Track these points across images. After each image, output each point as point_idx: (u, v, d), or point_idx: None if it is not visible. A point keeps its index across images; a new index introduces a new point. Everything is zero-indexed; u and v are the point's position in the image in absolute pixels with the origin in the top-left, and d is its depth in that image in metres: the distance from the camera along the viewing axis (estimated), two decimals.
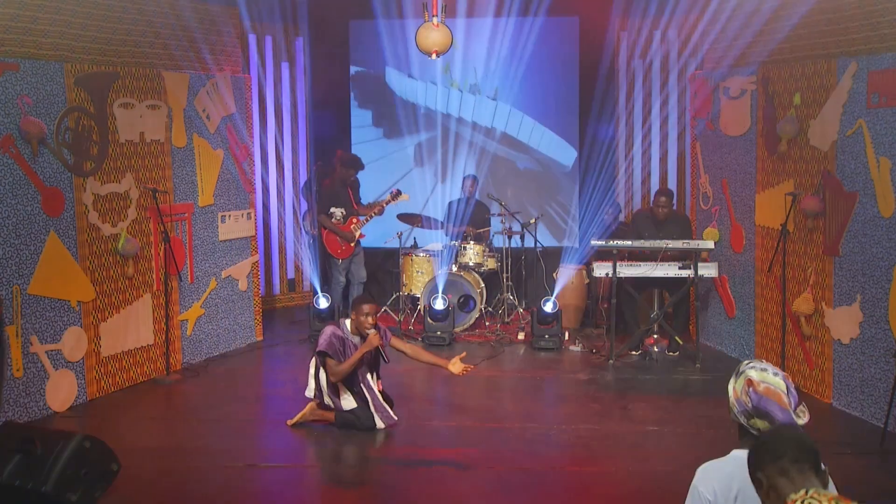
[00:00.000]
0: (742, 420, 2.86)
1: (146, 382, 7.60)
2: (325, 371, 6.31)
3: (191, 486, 5.48)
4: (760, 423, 2.80)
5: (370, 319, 6.25)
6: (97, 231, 7.10)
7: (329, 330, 6.36)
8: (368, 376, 6.42)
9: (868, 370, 6.45)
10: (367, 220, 9.31)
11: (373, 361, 6.45)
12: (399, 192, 9.38)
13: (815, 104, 7.01)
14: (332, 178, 9.52)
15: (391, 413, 6.41)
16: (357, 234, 9.28)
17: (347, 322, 6.41)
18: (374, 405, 6.34)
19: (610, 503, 5.30)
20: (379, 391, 6.46)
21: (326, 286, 9.58)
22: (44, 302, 6.61)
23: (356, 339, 6.34)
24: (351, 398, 6.34)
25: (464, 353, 6.61)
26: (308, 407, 6.45)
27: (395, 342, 6.55)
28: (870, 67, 6.37)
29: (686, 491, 2.88)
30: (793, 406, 2.81)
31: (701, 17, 9.24)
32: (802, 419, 2.82)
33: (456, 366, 6.35)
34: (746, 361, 2.96)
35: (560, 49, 10.76)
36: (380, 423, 6.31)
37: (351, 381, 6.35)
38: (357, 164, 9.41)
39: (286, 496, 5.39)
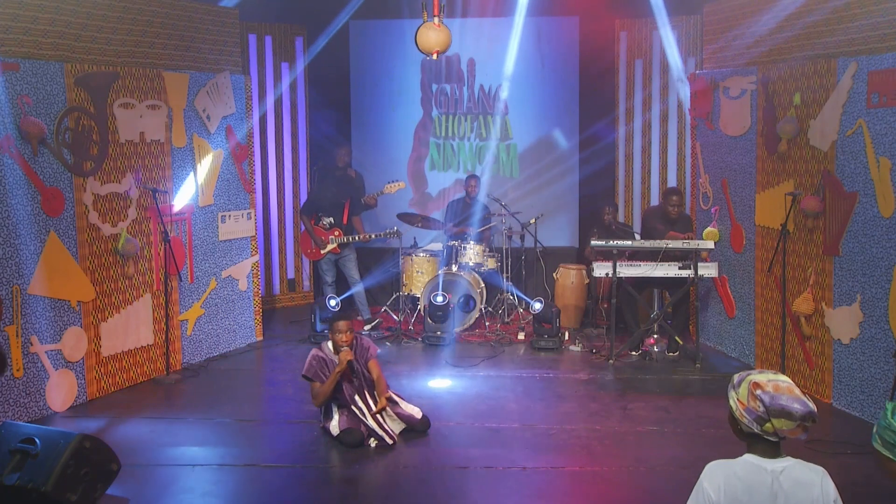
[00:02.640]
0: (755, 428, 2.73)
1: (146, 382, 7.61)
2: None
3: (191, 486, 5.47)
4: (779, 423, 2.68)
5: (342, 337, 6.14)
6: (97, 231, 7.10)
7: (311, 353, 6.28)
8: (357, 398, 6.21)
9: (868, 370, 6.45)
10: (350, 240, 9.25)
11: (362, 381, 6.29)
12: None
13: (815, 104, 7.01)
14: (326, 182, 9.50)
15: (387, 434, 6.10)
16: (330, 247, 9.24)
17: (330, 343, 6.31)
18: (370, 424, 6.11)
19: (610, 503, 5.31)
20: (378, 412, 6.17)
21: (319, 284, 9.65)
22: (44, 302, 6.61)
23: (337, 358, 6.21)
24: (336, 421, 6.14)
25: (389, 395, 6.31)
26: None
27: (371, 365, 6.33)
28: (870, 67, 6.37)
29: (687, 490, 2.88)
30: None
31: (701, 17, 9.24)
32: (813, 405, 2.72)
33: (380, 401, 6.18)
34: (738, 374, 2.85)
35: (560, 49, 10.77)
36: (371, 442, 6.07)
37: (340, 402, 6.23)
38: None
39: (286, 496, 5.39)
